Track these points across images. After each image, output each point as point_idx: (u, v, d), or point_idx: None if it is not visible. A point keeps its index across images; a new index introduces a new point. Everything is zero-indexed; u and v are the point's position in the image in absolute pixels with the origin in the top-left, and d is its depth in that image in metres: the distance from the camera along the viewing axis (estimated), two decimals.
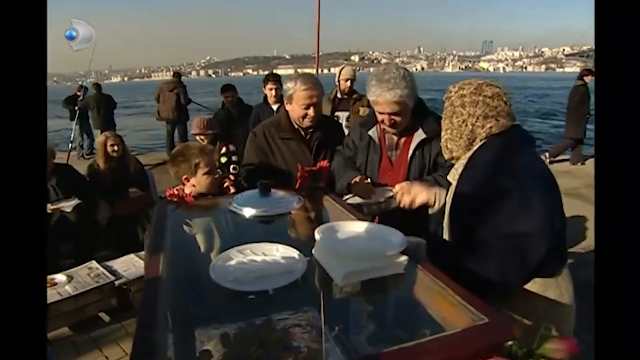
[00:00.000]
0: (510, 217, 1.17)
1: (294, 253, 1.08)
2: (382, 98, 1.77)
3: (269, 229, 1.47)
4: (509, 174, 1.22)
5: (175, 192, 1.63)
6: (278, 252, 1.10)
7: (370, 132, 1.99)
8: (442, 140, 1.43)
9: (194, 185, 1.97)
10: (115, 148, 4.02)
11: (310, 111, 2.08)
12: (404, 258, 1.01)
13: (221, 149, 3.86)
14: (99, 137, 4.14)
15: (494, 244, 1.18)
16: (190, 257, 1.49)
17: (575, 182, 6.21)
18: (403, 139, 1.95)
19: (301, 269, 1.01)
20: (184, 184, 1.95)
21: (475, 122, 1.32)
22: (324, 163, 1.88)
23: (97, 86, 8.69)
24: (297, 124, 2.15)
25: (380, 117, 1.86)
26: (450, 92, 1.41)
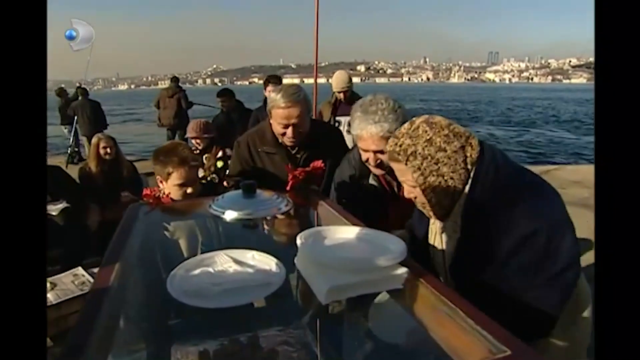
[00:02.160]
0: (546, 257, 1.00)
1: (271, 262, 0.90)
2: (367, 132, 1.51)
3: (251, 234, 1.30)
4: (522, 202, 1.03)
5: (150, 192, 1.46)
6: (253, 261, 0.93)
7: (371, 182, 1.72)
8: (428, 204, 1.13)
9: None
10: (108, 150, 3.88)
11: (289, 132, 1.84)
12: (403, 270, 0.83)
13: (217, 153, 3.73)
14: (92, 140, 4.01)
15: (531, 293, 1.01)
16: (163, 264, 1.32)
17: (585, 192, 6.02)
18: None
19: (277, 282, 0.83)
20: (158, 185, 1.78)
21: (457, 160, 1.07)
22: (318, 163, 1.70)
23: (84, 92, 8.40)
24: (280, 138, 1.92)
25: (364, 156, 1.60)
26: (405, 147, 1.09)
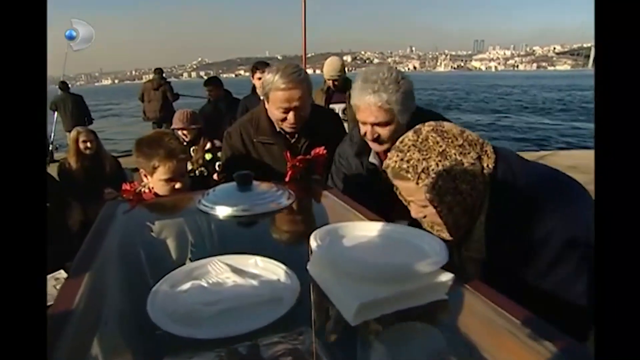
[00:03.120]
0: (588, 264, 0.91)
1: (280, 270, 0.72)
2: (364, 102, 1.39)
3: (249, 233, 1.12)
4: (551, 210, 0.92)
5: (130, 187, 1.27)
6: (256, 269, 0.74)
7: (371, 160, 1.57)
8: (444, 226, 0.99)
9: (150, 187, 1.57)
10: (89, 145, 3.64)
11: (290, 116, 1.64)
12: (447, 277, 0.65)
13: (205, 145, 3.52)
14: (71, 133, 3.77)
15: None
16: (145, 270, 1.13)
17: (582, 176, 5.93)
18: None
19: (290, 298, 0.65)
20: (142, 180, 1.56)
21: (475, 173, 0.92)
22: (320, 150, 1.52)
23: (64, 85, 8.02)
24: (279, 125, 1.72)
25: (362, 130, 1.49)
26: (414, 163, 0.93)
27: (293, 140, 1.74)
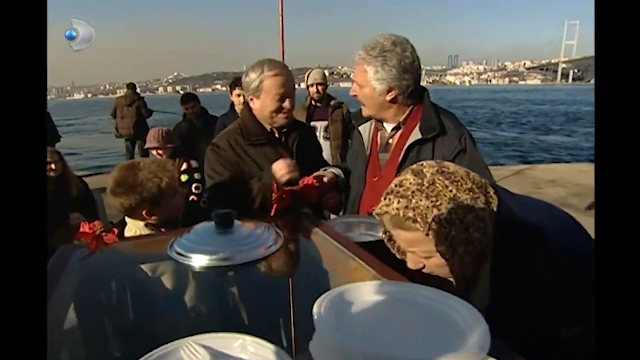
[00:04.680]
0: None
1: (275, 357, 0.55)
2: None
3: (230, 291, 0.94)
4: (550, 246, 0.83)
5: (90, 228, 1.08)
6: (245, 355, 0.57)
7: (360, 128, 1.58)
8: (454, 277, 0.90)
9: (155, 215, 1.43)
10: (53, 167, 3.38)
11: (287, 103, 1.60)
12: None
13: (181, 166, 3.33)
14: None
15: None
16: (108, 335, 0.94)
17: (561, 191, 6.00)
18: (396, 139, 1.47)
19: None
20: (145, 218, 1.38)
21: (485, 218, 0.85)
22: (310, 180, 1.37)
23: None
24: (268, 124, 1.64)
25: None
26: (422, 211, 0.83)
27: (283, 139, 1.69)
